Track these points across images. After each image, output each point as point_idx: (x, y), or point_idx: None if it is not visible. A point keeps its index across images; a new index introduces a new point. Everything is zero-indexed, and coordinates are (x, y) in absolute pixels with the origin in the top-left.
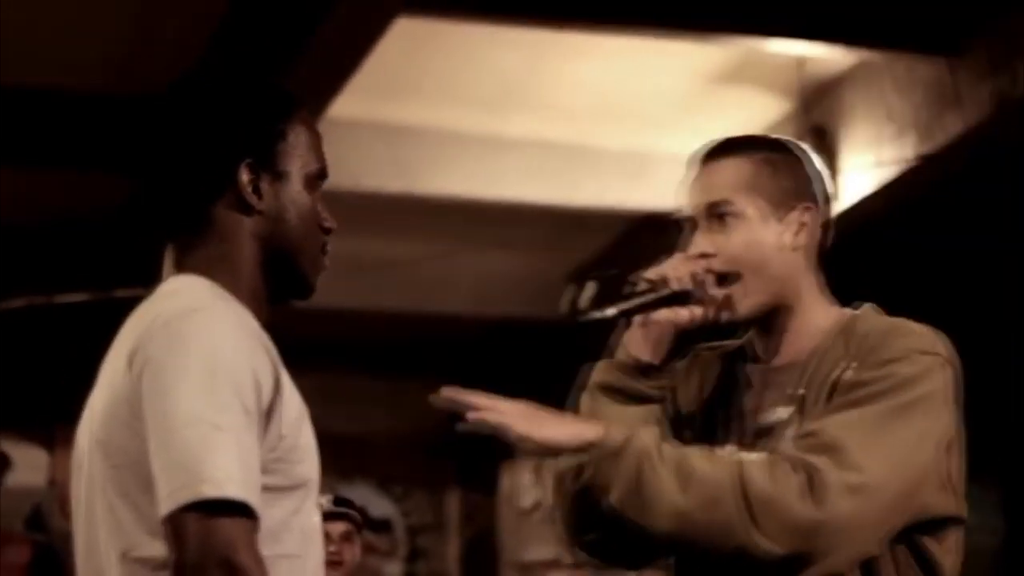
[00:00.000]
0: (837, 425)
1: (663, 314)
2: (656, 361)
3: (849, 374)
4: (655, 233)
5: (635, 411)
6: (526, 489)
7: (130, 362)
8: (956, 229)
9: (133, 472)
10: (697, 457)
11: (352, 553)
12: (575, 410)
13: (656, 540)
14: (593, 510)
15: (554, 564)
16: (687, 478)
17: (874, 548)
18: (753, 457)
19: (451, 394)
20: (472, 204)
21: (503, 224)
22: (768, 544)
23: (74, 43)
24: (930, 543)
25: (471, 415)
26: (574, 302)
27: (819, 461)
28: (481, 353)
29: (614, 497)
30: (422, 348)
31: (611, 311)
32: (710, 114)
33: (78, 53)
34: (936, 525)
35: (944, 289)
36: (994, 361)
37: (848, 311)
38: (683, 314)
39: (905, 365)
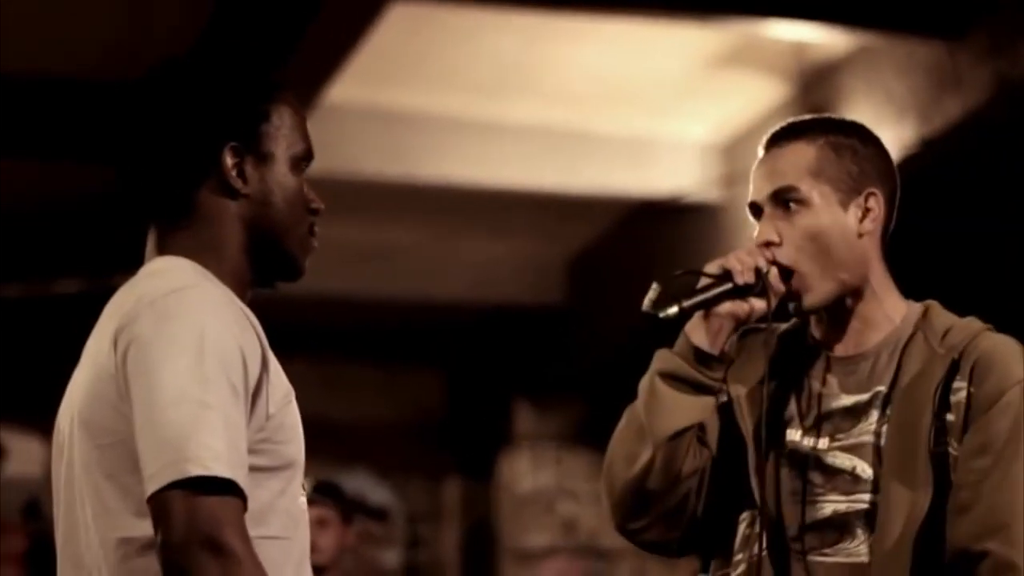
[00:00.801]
0: (998, 499)
1: (726, 307)
2: (716, 352)
3: (962, 396)
4: (655, 218)
5: (694, 401)
6: (524, 476)
7: (115, 342)
8: (957, 212)
9: (119, 452)
10: None
11: (328, 540)
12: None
13: None
14: (645, 496)
15: (553, 551)
16: None
17: None
18: None
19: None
20: (470, 190)
21: (502, 210)
22: None
23: (68, 30)
24: None
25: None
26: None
27: (997, 548)
28: (480, 340)
29: None
30: (421, 335)
31: (673, 309)
32: (710, 98)
33: (72, 40)
34: None
35: (945, 272)
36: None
37: (914, 304)
38: (745, 308)
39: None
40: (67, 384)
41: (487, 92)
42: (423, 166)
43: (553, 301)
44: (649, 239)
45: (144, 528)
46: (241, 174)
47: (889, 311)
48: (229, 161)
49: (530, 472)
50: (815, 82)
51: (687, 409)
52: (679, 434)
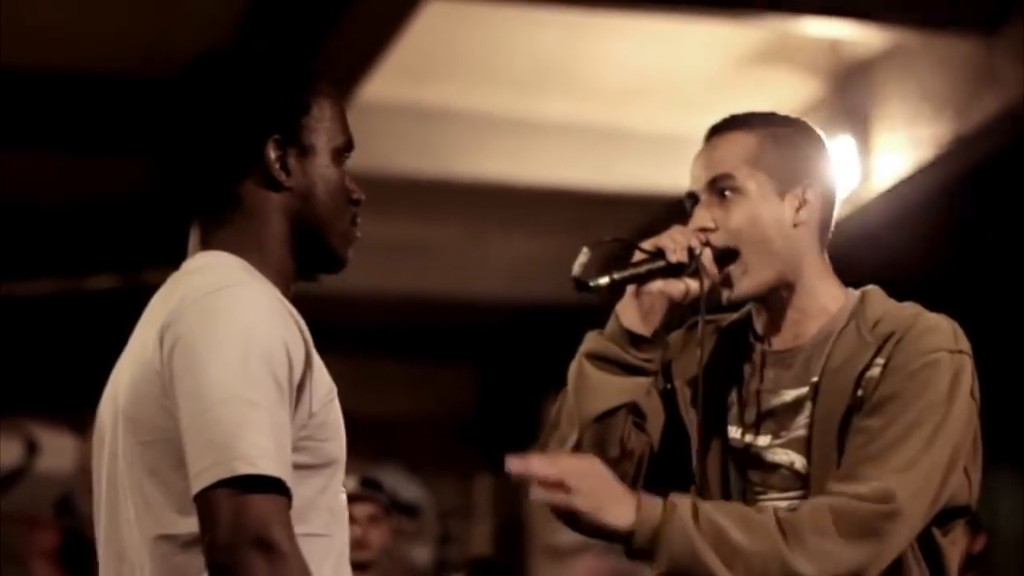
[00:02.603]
0: (905, 491)
1: (657, 285)
2: (647, 333)
3: (875, 372)
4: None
5: (622, 382)
6: None
7: (160, 338)
8: (993, 209)
9: (162, 449)
10: (735, 529)
11: (378, 536)
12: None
13: None
14: None
15: (585, 548)
16: (730, 557)
17: None
18: (793, 517)
19: (519, 467)
20: (505, 187)
21: (535, 207)
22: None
23: (102, 25)
24: (938, 534)
25: (536, 492)
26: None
27: (867, 511)
28: (512, 337)
29: (661, 565)
30: (453, 332)
31: (603, 279)
32: (744, 96)
33: (106, 36)
34: (946, 517)
35: (982, 270)
36: None
37: (853, 292)
38: (677, 287)
39: (937, 373)
40: (98, 380)
41: (521, 89)
42: (457, 163)
43: (586, 299)
44: None
45: (187, 525)
46: (284, 167)
47: (825, 302)
48: (272, 154)
49: None
50: (849, 80)
51: (615, 390)
52: (608, 415)
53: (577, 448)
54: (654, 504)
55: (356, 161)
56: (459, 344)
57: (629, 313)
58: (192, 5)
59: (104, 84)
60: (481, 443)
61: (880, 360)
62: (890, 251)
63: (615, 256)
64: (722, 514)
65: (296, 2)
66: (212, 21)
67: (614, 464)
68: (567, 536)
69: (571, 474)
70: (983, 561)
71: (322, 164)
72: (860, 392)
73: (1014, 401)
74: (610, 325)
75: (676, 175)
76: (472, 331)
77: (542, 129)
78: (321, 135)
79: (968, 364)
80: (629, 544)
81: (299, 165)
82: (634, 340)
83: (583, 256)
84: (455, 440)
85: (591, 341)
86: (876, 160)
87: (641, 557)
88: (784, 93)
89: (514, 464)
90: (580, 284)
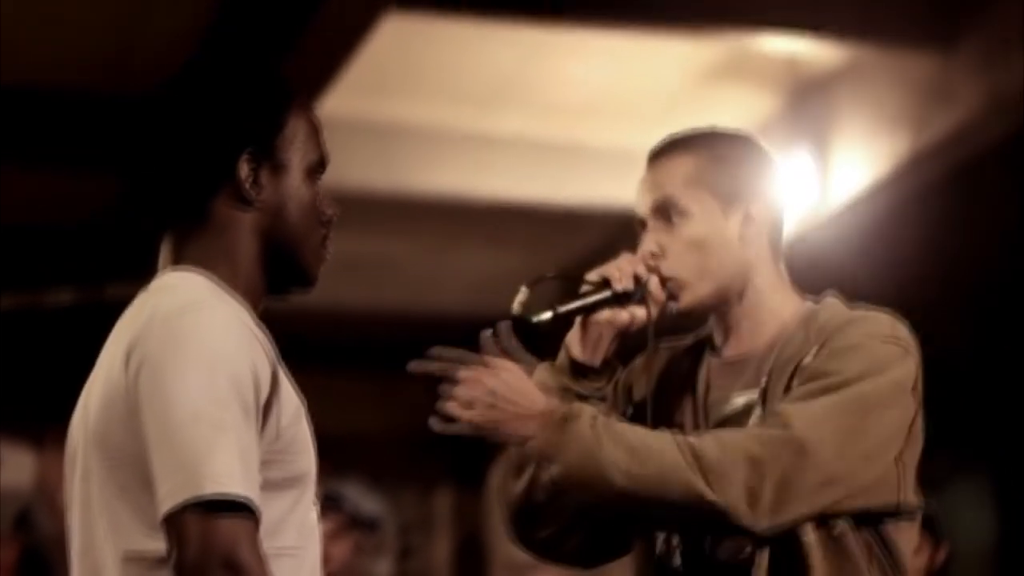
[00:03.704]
0: (802, 419)
1: (603, 315)
2: (595, 362)
3: (808, 359)
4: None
5: None
6: None
7: (127, 359)
8: (950, 224)
9: (131, 469)
10: (632, 432)
11: (339, 551)
12: None
13: (603, 508)
14: (542, 506)
15: (544, 563)
16: (631, 447)
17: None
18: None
19: (423, 367)
20: (463, 202)
21: (494, 222)
22: (716, 498)
23: (62, 40)
24: (893, 531)
25: (441, 422)
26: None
27: (785, 461)
28: (472, 350)
29: (559, 468)
30: (412, 346)
31: (547, 315)
32: (702, 112)
33: (66, 50)
34: (893, 515)
35: (939, 285)
36: (990, 357)
37: (809, 303)
38: (623, 316)
39: (865, 353)
40: (58, 395)
41: (480, 104)
42: (416, 178)
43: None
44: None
45: (156, 545)
46: (256, 183)
47: (779, 311)
48: (244, 170)
49: None
50: (807, 96)
51: None
52: None
53: (533, 479)
54: (557, 406)
55: None
56: (418, 358)
57: (576, 344)
58: (154, 21)
59: (64, 99)
60: (442, 457)
61: (815, 349)
62: (848, 267)
63: (561, 289)
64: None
65: (255, 18)
66: (174, 37)
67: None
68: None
69: (481, 386)
70: (945, 573)
71: (295, 181)
72: (795, 381)
73: (975, 413)
74: (560, 357)
75: (633, 190)
76: (431, 346)
77: (501, 145)
78: (295, 152)
79: (903, 356)
80: (533, 447)
81: (271, 182)
82: (583, 371)
83: (522, 295)
84: (415, 454)
85: (541, 373)
86: (833, 176)
87: (542, 455)
88: (741, 109)
89: (418, 365)
90: (522, 322)
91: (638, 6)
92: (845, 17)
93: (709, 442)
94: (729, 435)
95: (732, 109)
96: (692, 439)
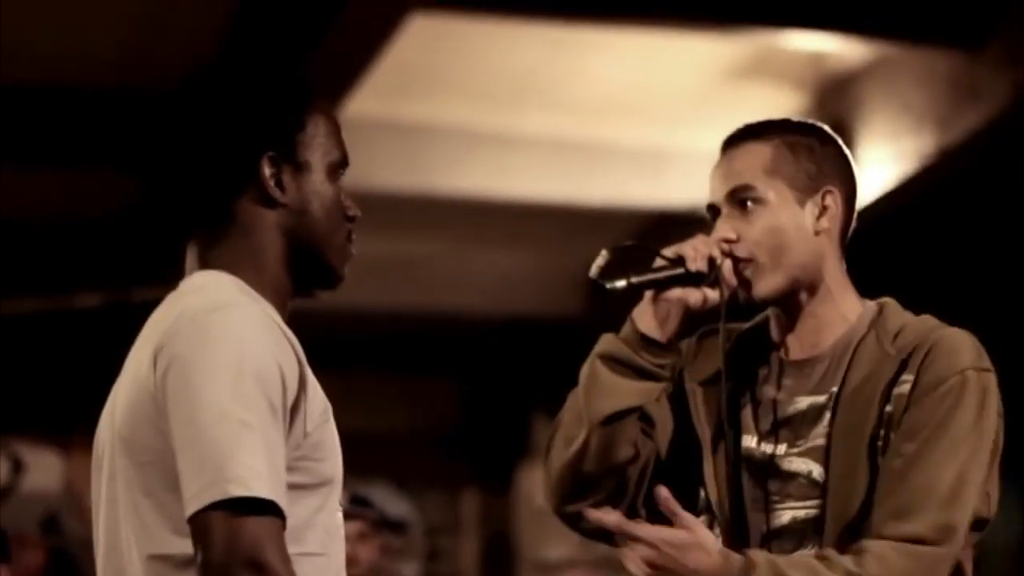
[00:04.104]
0: (929, 498)
1: (675, 293)
2: (662, 339)
3: (904, 389)
4: (672, 229)
5: (633, 385)
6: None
7: (155, 359)
8: (976, 222)
9: (158, 470)
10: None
11: (367, 552)
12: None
13: None
14: (581, 480)
15: (572, 563)
16: None
17: None
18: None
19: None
20: (487, 202)
21: (518, 222)
22: None
23: (86, 40)
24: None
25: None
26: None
27: (931, 554)
28: (496, 351)
29: None
30: (437, 346)
31: (621, 283)
32: (726, 110)
33: (90, 50)
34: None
35: (964, 284)
36: (1015, 358)
37: (869, 303)
38: (695, 295)
39: (967, 393)
40: (84, 398)
41: (504, 104)
42: (440, 178)
43: (570, 313)
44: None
45: (181, 546)
46: (279, 183)
47: (844, 310)
48: (267, 171)
49: None
50: (832, 93)
51: (626, 392)
52: (617, 417)
53: (584, 448)
54: (734, 560)
55: None
56: (443, 359)
57: (645, 318)
58: (175, 20)
59: (88, 98)
60: (467, 458)
61: (908, 376)
62: (875, 264)
63: (635, 260)
64: (794, 568)
65: (280, 19)
66: (195, 37)
67: (621, 466)
68: (555, 551)
69: (659, 541)
70: (974, 573)
71: (317, 180)
72: (889, 407)
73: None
74: (625, 328)
75: (658, 189)
76: (456, 345)
77: (524, 144)
78: (316, 151)
79: (993, 382)
80: None
81: (294, 182)
82: (649, 345)
83: (601, 258)
84: (442, 455)
85: (605, 343)
86: (860, 173)
87: None
88: (767, 106)
89: (598, 516)
90: (597, 286)
91: (664, 4)
92: (871, 14)
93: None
94: (893, 561)
95: (758, 106)
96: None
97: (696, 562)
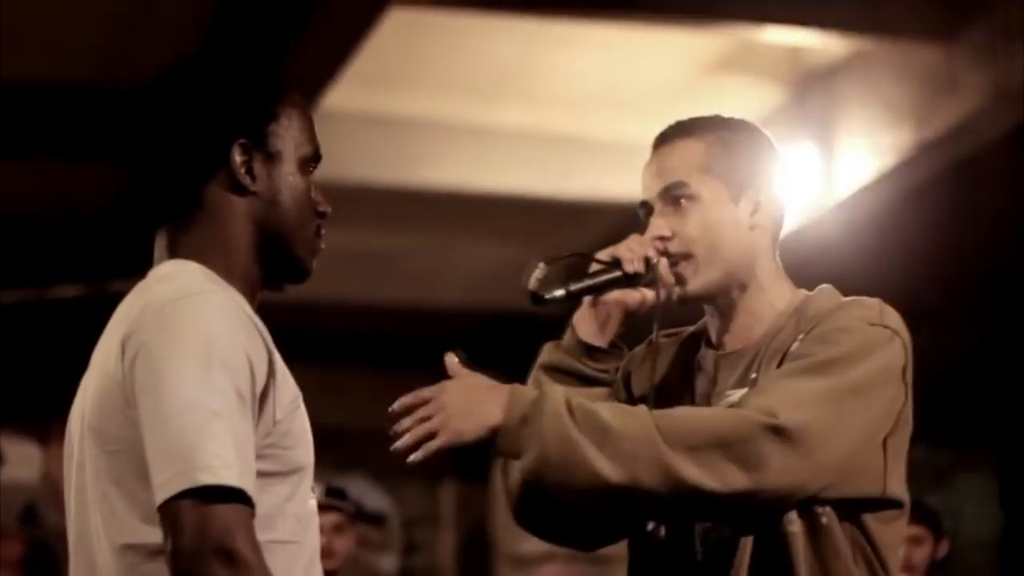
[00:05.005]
0: (783, 399)
1: (613, 295)
2: (603, 343)
3: (795, 346)
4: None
5: (579, 392)
6: None
7: (123, 348)
8: (954, 216)
9: (127, 459)
10: (606, 411)
11: (343, 544)
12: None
13: (576, 506)
14: (536, 493)
15: (549, 557)
16: (602, 438)
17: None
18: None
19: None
20: (465, 195)
21: (496, 215)
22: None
23: (66, 34)
24: (878, 524)
25: (399, 444)
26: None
27: (767, 443)
28: (475, 345)
29: (526, 464)
30: (416, 340)
31: (559, 292)
32: (705, 104)
33: (70, 43)
34: (878, 506)
35: (943, 276)
36: (994, 350)
37: (803, 292)
38: (634, 296)
39: (853, 335)
40: (64, 390)
41: (483, 97)
42: (418, 171)
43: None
44: None
45: (151, 535)
46: (250, 171)
47: (775, 303)
48: (238, 158)
49: None
50: (810, 87)
51: None
52: None
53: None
54: (525, 392)
55: (317, 170)
56: (422, 352)
57: (584, 324)
58: (157, 13)
59: (67, 91)
60: (446, 451)
61: (801, 336)
62: (852, 258)
63: (572, 268)
64: (594, 401)
65: (259, 12)
66: (176, 30)
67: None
68: (531, 544)
69: (428, 399)
70: (947, 567)
71: (288, 172)
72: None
73: (978, 405)
74: (566, 336)
75: (636, 183)
76: (435, 339)
77: (502, 137)
78: (288, 143)
79: (893, 341)
80: (499, 440)
81: (265, 171)
82: (590, 351)
83: (538, 270)
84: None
85: (547, 353)
86: (837, 167)
87: (509, 450)
88: (745, 101)
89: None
90: (536, 297)
91: None
92: (848, 9)
93: (681, 419)
94: (704, 413)
95: (736, 101)
96: (662, 420)
97: (484, 400)
